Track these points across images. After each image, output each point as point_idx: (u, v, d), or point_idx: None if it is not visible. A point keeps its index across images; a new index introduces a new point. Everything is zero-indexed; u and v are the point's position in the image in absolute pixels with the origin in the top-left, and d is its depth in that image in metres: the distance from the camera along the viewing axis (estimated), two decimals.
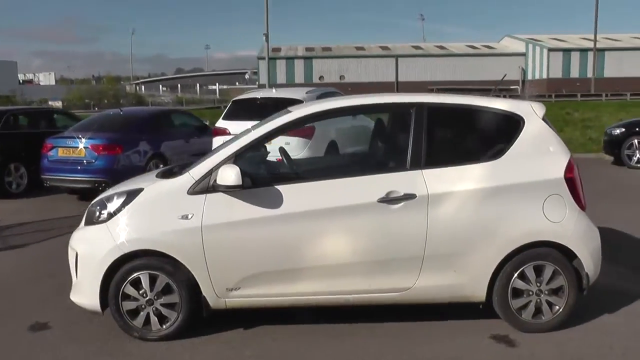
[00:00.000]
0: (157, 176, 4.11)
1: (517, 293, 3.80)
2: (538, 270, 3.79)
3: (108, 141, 8.55)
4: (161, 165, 9.31)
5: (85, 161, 8.51)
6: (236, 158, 3.75)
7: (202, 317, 3.83)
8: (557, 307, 3.82)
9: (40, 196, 9.43)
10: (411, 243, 3.71)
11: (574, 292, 3.81)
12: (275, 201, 3.68)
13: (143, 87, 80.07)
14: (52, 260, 5.81)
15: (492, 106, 3.95)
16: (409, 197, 3.68)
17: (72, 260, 4.00)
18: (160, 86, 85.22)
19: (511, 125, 3.89)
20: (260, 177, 3.87)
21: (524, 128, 3.87)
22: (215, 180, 3.68)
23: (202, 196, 3.72)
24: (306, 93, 9.35)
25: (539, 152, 3.85)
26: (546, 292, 3.80)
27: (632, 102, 35.66)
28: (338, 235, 3.71)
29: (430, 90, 53.99)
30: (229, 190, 3.62)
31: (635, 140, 11.28)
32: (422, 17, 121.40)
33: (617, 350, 3.60)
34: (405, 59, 64.02)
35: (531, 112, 3.92)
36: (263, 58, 60.15)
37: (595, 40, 31.87)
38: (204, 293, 3.76)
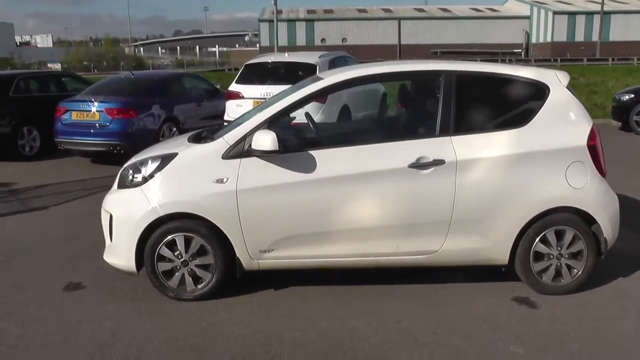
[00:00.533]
0: (189, 140, 4.19)
1: (539, 257, 3.94)
2: (559, 235, 3.92)
3: (122, 105, 8.58)
4: (174, 129, 9.39)
5: (99, 125, 8.57)
6: (270, 123, 3.83)
7: (235, 278, 3.98)
8: (576, 270, 3.96)
9: (53, 159, 9.52)
10: (439, 207, 3.83)
11: (592, 256, 3.95)
12: (308, 166, 3.78)
13: (142, 49, 79.04)
14: (75, 221, 5.96)
15: (518, 74, 4.01)
16: (438, 162, 3.78)
17: (105, 223, 4.12)
18: (159, 48, 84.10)
19: (537, 94, 3.96)
20: (293, 142, 3.95)
21: (549, 96, 3.94)
22: (249, 145, 3.76)
23: (237, 160, 3.81)
24: (319, 57, 9.33)
25: (563, 119, 3.92)
26: (566, 255, 3.94)
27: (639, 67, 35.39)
28: (369, 200, 3.82)
29: (435, 54, 53.47)
30: (265, 155, 3.71)
31: None
32: None
33: (632, 313, 3.76)
34: (407, 22, 63.14)
35: (556, 81, 3.99)
36: (264, 20, 59.47)
37: (602, 3, 31.35)
38: (238, 255, 3.89)
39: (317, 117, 8.32)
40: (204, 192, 3.80)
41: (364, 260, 3.96)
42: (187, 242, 3.87)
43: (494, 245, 3.92)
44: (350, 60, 10.92)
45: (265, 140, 3.64)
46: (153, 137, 8.84)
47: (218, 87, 10.90)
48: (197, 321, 3.70)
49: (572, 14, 47.12)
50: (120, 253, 3.98)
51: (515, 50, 58.04)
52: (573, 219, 3.91)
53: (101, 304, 3.97)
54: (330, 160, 3.80)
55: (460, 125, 3.87)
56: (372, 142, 3.90)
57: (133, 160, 4.21)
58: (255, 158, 3.79)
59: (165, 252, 3.89)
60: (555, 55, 45.35)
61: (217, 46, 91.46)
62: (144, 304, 3.95)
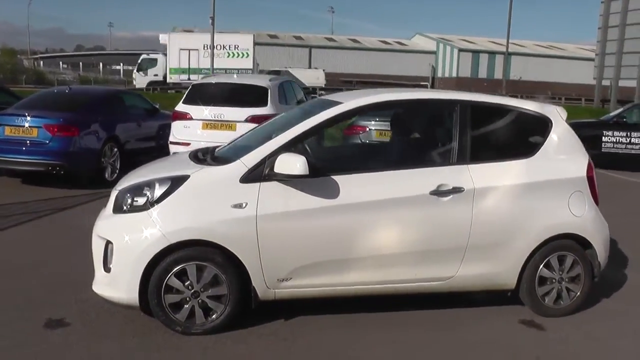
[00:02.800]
0: (194, 161, 3.95)
1: (542, 281, 4.09)
2: (560, 260, 4.10)
3: (64, 121, 7.91)
4: (115, 149, 8.82)
5: (37, 142, 7.83)
6: (290, 147, 3.71)
7: (250, 309, 3.76)
8: (574, 293, 4.16)
9: None
10: (456, 234, 3.88)
11: (588, 279, 4.17)
12: (330, 192, 3.69)
13: (42, 62, 74.09)
14: (29, 248, 5.39)
15: (525, 107, 4.21)
16: (458, 190, 3.84)
17: (98, 251, 3.74)
18: (61, 63, 79.28)
19: (541, 126, 4.18)
20: (314, 167, 3.85)
21: (552, 129, 4.17)
22: (271, 169, 3.61)
23: (256, 184, 3.63)
24: (270, 81, 9.30)
25: (565, 151, 4.16)
26: (566, 279, 4.13)
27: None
28: (390, 226, 3.79)
29: (350, 83, 54.96)
30: (291, 179, 3.57)
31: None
32: (332, 9, 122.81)
33: (628, 330, 4.02)
34: (319, 50, 64.54)
35: (557, 115, 4.23)
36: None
37: (507, 44, 34.27)
38: (253, 284, 3.68)
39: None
40: (221, 217, 3.58)
41: (383, 287, 3.90)
42: (199, 271, 3.61)
43: (505, 270, 4.02)
44: (295, 85, 10.96)
45: (294, 164, 3.51)
46: (94, 158, 8.29)
47: (157, 106, 10.43)
48: (215, 356, 3.44)
49: (475, 52, 50.87)
50: (120, 285, 3.62)
51: (422, 83, 61.16)
52: (573, 245, 4.12)
53: (96, 342, 3.57)
54: (353, 186, 3.74)
55: (476, 153, 3.98)
56: (393, 169, 3.88)
57: (132, 182, 3.87)
58: (275, 182, 3.64)
59: (174, 282, 3.59)
60: (460, 89, 48.39)
61: (121, 64, 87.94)
62: (148, 340, 3.61)
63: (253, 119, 8.49)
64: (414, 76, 61.31)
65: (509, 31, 33.69)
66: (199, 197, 3.63)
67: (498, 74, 49.84)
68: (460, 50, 50.66)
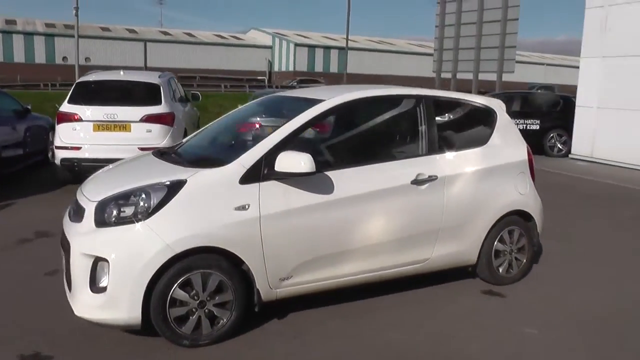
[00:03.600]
0: (171, 162, 3.80)
1: (497, 254, 4.60)
2: (510, 233, 4.66)
3: None
4: None
5: None
6: (285, 145, 3.68)
7: (254, 313, 3.68)
8: (521, 261, 4.76)
9: None
10: (431, 219, 4.20)
11: (531, 248, 4.81)
12: (326, 187, 3.75)
13: None
14: None
15: (475, 100, 4.68)
16: (433, 178, 4.16)
17: (82, 271, 3.36)
18: None
19: (489, 117, 4.68)
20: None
21: (497, 119, 4.70)
22: (270, 168, 3.56)
23: (256, 185, 3.56)
24: (159, 77, 8.88)
25: (509, 138, 4.72)
26: (515, 250, 4.70)
27: None
28: (378, 216, 3.97)
29: (190, 79, 53.37)
30: (292, 177, 3.56)
31: None
32: (160, 1, 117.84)
33: (573, 285, 4.73)
34: (154, 45, 61.70)
35: (499, 107, 4.77)
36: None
37: (347, 39, 36.25)
38: (258, 286, 3.61)
39: (165, 142, 7.93)
40: (225, 221, 3.45)
41: (372, 275, 4.07)
42: (204, 279, 3.44)
43: (469, 248, 4.45)
44: (176, 81, 10.53)
45: (300, 162, 3.50)
46: None
47: (29, 107, 9.27)
48: None
49: (311, 47, 52.61)
50: (119, 304, 3.30)
51: (259, 77, 61.78)
52: (519, 220, 4.70)
53: None
54: (344, 180, 3.84)
55: (442, 144, 4.32)
56: (377, 162, 4.05)
57: (115, 192, 3.51)
58: (274, 181, 3.61)
59: (179, 294, 3.38)
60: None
61: None
62: (156, 358, 3.35)
63: (149, 119, 8.05)
64: (251, 70, 61.64)
65: (348, 27, 35.72)
66: (200, 202, 3.45)
67: (333, 68, 52.21)
68: (297, 45, 52.14)
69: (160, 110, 8.15)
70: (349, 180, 3.86)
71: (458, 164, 4.34)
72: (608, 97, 12.19)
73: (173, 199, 3.40)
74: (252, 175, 3.57)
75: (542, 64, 68.53)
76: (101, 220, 3.42)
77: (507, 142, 4.69)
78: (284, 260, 3.67)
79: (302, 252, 3.73)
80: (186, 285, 3.39)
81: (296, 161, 3.51)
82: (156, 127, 8.08)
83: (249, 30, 72.84)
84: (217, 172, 3.57)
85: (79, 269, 3.38)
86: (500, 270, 4.65)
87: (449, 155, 4.33)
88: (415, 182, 4.09)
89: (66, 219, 3.81)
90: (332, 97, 4.02)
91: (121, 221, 3.38)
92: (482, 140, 4.58)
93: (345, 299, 4.21)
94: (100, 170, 4.29)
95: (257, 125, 8.97)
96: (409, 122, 4.33)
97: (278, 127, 3.82)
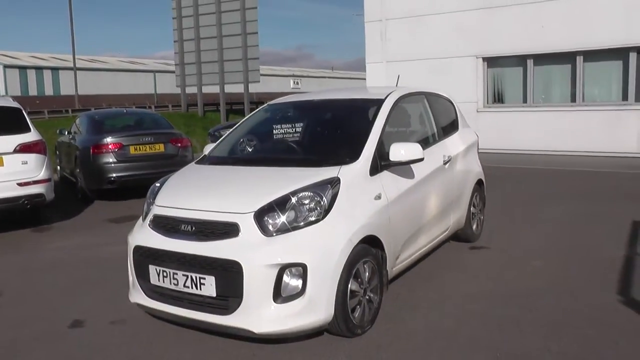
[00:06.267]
0: (299, 165, 3.98)
1: (473, 216, 5.77)
2: (477, 198, 5.87)
3: None
4: None
5: None
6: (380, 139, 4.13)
7: None
8: (481, 218, 6.03)
9: None
10: (451, 192, 5.12)
11: (484, 207, 6.13)
12: (411, 171, 4.33)
13: None
14: None
15: (445, 95, 5.74)
16: (450, 159, 5.08)
17: (267, 283, 3.25)
18: None
19: (452, 107, 5.80)
20: None
21: (456, 108, 5.86)
22: (383, 159, 3.99)
23: (378, 175, 3.95)
24: (13, 100, 7.77)
25: (454, 123, 5.84)
26: (479, 211, 5.95)
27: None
28: (434, 193, 4.72)
29: None
30: (405, 164, 4.09)
31: None
32: None
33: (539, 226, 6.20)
34: None
35: (453, 98, 5.94)
36: None
37: (74, 59, 32.89)
38: (387, 268, 3.96)
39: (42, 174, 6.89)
40: (372, 211, 3.76)
41: (426, 248, 4.74)
42: (365, 268, 3.67)
43: (462, 214, 5.49)
44: None
45: (414, 150, 4.00)
46: None
47: None
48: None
49: (23, 68, 45.27)
50: (318, 307, 3.32)
51: None
52: (480, 186, 5.95)
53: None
54: (417, 165, 4.43)
55: (440, 131, 5.25)
56: (427, 147, 4.71)
57: (262, 200, 3.45)
58: (385, 171, 4.02)
59: (354, 285, 3.55)
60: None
61: None
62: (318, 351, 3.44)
63: (22, 148, 6.79)
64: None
65: (74, 47, 32.73)
66: (352, 195, 3.67)
67: (48, 90, 46.68)
68: (7, 66, 44.67)
69: (33, 138, 6.99)
70: (419, 164, 4.45)
71: (453, 146, 5.33)
72: None
73: (338, 196, 3.54)
74: (374, 167, 3.93)
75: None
76: (268, 229, 3.34)
77: (462, 126, 5.88)
78: (399, 241, 4.12)
79: (405, 232, 4.22)
80: (356, 276, 3.57)
81: (411, 150, 4.01)
82: (31, 157, 6.88)
83: None
84: (353, 167, 3.81)
85: (260, 282, 3.25)
86: (474, 228, 5.82)
87: (447, 140, 5.30)
88: (444, 162, 4.95)
89: (174, 244, 3.49)
90: (385, 95, 4.55)
91: (303, 224, 3.40)
92: (455, 127, 5.68)
93: None
94: (194, 187, 3.95)
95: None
96: (436, 112, 5.19)
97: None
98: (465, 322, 3.82)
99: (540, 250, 5.51)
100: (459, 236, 5.70)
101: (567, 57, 12.89)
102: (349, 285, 3.48)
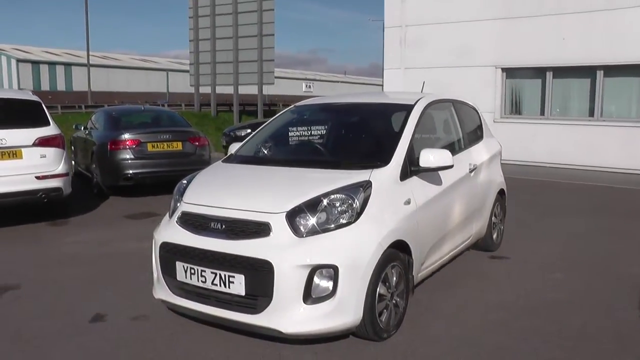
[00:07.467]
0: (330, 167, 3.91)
1: (494, 225, 5.73)
2: (498, 207, 5.83)
3: None
4: None
5: None
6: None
7: None
8: (501, 228, 5.99)
9: None
10: (475, 200, 5.09)
11: (504, 218, 6.09)
12: (439, 178, 4.30)
13: None
14: None
15: (469, 102, 5.70)
16: (475, 167, 5.05)
17: (297, 284, 3.23)
18: None
19: (478, 116, 5.77)
20: None
21: (481, 117, 5.83)
22: (412, 165, 3.97)
23: (408, 180, 3.92)
24: (33, 94, 7.77)
25: (487, 132, 5.87)
26: (499, 220, 5.91)
27: None
28: (459, 201, 4.68)
29: None
30: (437, 171, 4.06)
31: None
32: None
33: (560, 239, 6.15)
34: None
35: (477, 107, 5.91)
36: None
37: (88, 55, 33.11)
38: (413, 273, 3.93)
39: (61, 167, 6.95)
40: (401, 216, 3.74)
41: (450, 255, 4.71)
42: (393, 272, 3.64)
43: (484, 223, 5.45)
44: None
45: (443, 157, 3.98)
46: None
47: None
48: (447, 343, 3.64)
49: (35, 63, 45.53)
50: (348, 308, 3.30)
51: None
52: (502, 196, 5.91)
53: None
54: (444, 172, 4.40)
55: (466, 140, 5.23)
56: (455, 154, 4.66)
57: (294, 201, 3.43)
58: (414, 177, 4.00)
59: (382, 289, 3.52)
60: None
61: None
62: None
63: (41, 142, 6.81)
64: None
65: (89, 43, 32.95)
66: (383, 199, 3.64)
67: (60, 86, 47.04)
68: (19, 60, 44.94)
69: (51, 132, 7.03)
70: (447, 171, 4.43)
71: (478, 155, 5.30)
72: None
73: (370, 200, 3.53)
74: (404, 172, 3.91)
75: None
76: (300, 230, 3.32)
77: (488, 135, 5.86)
78: (425, 247, 4.09)
79: (431, 239, 4.20)
80: (384, 280, 3.55)
81: (441, 157, 3.99)
82: (50, 151, 6.91)
83: None
84: (384, 171, 3.79)
85: (291, 282, 3.23)
86: (494, 238, 5.77)
87: (472, 149, 5.27)
88: (470, 170, 4.92)
89: (203, 241, 3.48)
90: (414, 101, 4.53)
91: (334, 226, 3.38)
92: (480, 136, 5.65)
93: None
94: (222, 186, 3.95)
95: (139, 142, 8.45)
96: (462, 120, 5.18)
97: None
98: (489, 330, 3.79)
99: (560, 262, 5.46)
100: (478, 245, 5.65)
101: (587, 71, 12.80)
102: (378, 289, 3.46)
